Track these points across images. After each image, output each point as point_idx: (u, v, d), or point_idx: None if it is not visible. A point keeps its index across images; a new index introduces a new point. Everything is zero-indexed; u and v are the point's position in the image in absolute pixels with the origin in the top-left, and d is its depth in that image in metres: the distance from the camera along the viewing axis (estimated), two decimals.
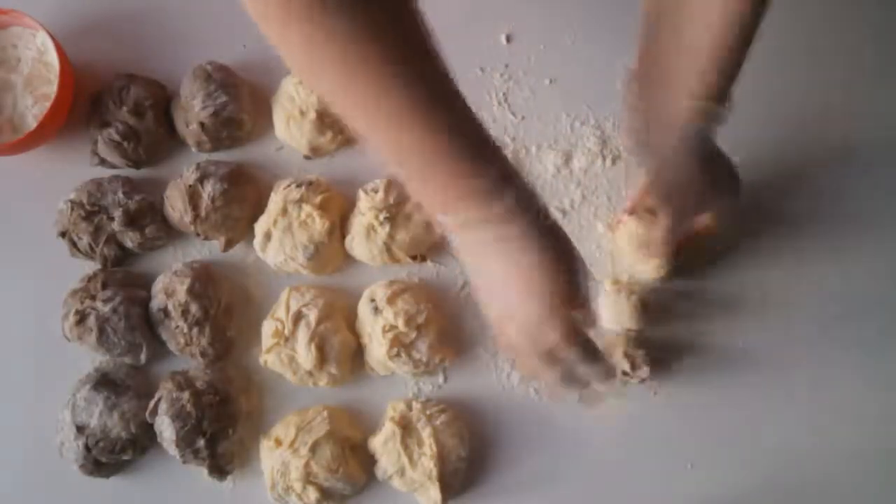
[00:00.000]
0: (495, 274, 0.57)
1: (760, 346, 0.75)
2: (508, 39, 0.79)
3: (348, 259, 0.77)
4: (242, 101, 0.77)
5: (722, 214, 0.71)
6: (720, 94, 0.63)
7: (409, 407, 0.73)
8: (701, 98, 0.62)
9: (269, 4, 0.49)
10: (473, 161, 0.53)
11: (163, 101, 0.78)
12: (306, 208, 0.73)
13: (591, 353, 0.58)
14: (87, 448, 0.71)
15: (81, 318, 0.72)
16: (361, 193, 0.75)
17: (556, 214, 0.74)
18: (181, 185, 0.74)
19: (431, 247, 0.76)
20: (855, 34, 0.79)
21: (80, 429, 0.71)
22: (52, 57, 0.75)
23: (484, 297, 0.60)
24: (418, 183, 0.56)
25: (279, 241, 0.73)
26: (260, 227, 0.75)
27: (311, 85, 0.53)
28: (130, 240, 0.75)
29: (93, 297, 0.73)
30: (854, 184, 0.77)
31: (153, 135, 0.77)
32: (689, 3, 0.60)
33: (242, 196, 0.75)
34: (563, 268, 0.56)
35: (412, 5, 0.50)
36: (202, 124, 0.75)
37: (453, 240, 0.57)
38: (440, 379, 0.75)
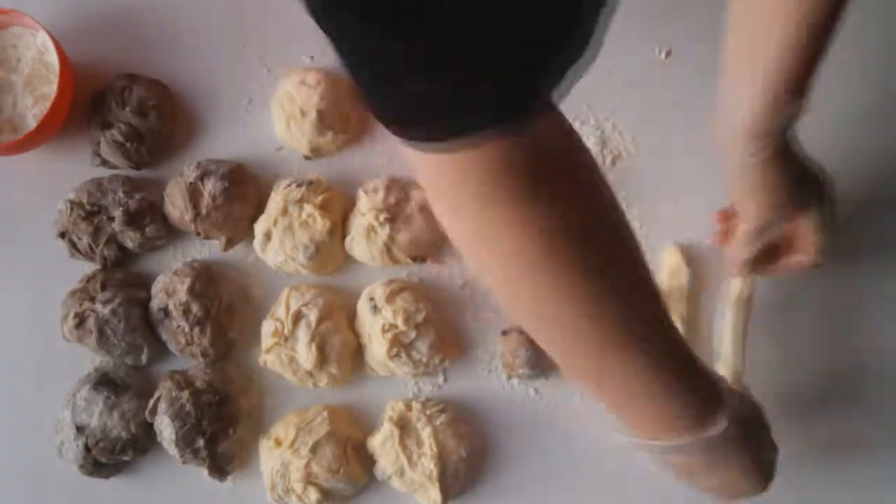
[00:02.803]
0: (701, 479, 0.56)
1: (760, 345, 0.75)
2: None
3: (348, 259, 0.77)
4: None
5: (821, 242, 0.65)
6: (797, 85, 0.56)
7: (409, 407, 0.72)
8: (775, 90, 0.56)
9: (444, 177, 0.39)
10: (680, 387, 0.49)
11: (166, 101, 0.78)
12: (307, 208, 0.73)
13: None
14: (87, 448, 0.71)
15: (81, 320, 0.72)
16: (361, 194, 0.75)
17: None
18: (182, 183, 0.74)
19: (431, 247, 0.76)
20: None
21: (80, 429, 0.71)
22: (52, 57, 0.75)
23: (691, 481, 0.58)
24: (615, 410, 0.51)
25: (279, 241, 0.73)
26: (260, 227, 0.75)
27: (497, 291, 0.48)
28: (131, 240, 0.75)
29: (92, 299, 0.72)
30: None
31: (156, 135, 0.76)
32: None
33: (243, 195, 0.75)
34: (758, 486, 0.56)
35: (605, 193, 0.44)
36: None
37: (648, 459, 0.54)
38: (440, 379, 0.75)
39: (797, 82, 0.55)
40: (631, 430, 0.51)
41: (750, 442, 0.54)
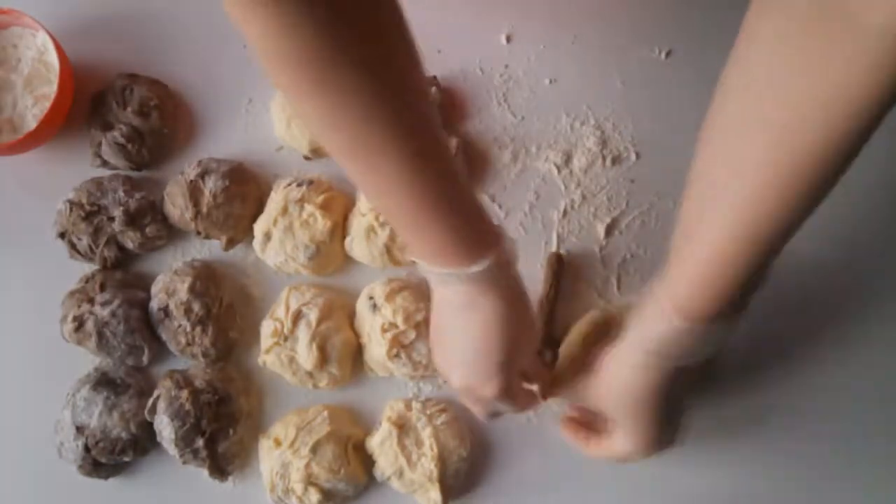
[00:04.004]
0: (453, 326, 0.60)
1: (761, 345, 0.75)
2: (508, 39, 0.79)
3: (349, 260, 0.76)
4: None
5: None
6: (737, 298, 0.51)
7: (409, 407, 0.72)
8: (709, 309, 0.52)
9: None
10: (458, 221, 0.53)
11: (167, 101, 0.78)
12: (308, 208, 0.73)
13: (515, 405, 0.63)
14: (87, 448, 0.71)
15: (80, 323, 0.72)
16: (361, 194, 0.75)
17: (554, 215, 0.75)
18: (182, 181, 0.74)
19: None
20: None
21: (80, 429, 0.71)
22: (52, 57, 0.75)
23: (435, 340, 0.63)
24: (391, 220, 0.56)
25: (279, 241, 0.73)
26: (259, 226, 0.74)
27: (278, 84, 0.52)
28: (131, 240, 0.74)
29: (90, 301, 0.72)
30: None
31: (157, 136, 0.76)
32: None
33: (244, 194, 0.75)
34: (514, 341, 0.59)
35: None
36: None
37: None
38: (440, 378, 0.75)
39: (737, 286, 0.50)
40: (416, 254, 0.56)
41: (507, 299, 0.57)
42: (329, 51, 0.45)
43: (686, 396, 0.62)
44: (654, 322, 0.55)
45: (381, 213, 0.58)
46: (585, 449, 0.67)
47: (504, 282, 0.57)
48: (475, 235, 0.55)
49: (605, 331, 0.68)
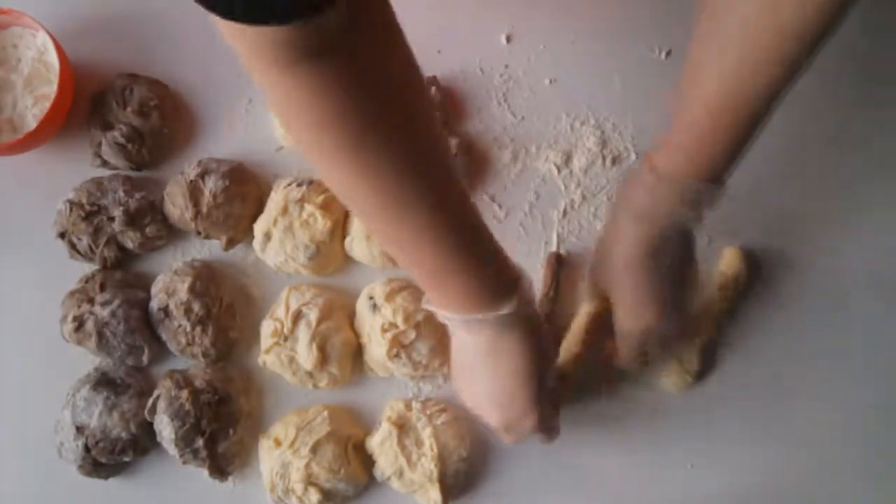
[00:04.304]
0: (480, 371, 0.61)
1: (760, 347, 0.75)
2: (508, 39, 0.79)
3: (349, 260, 0.76)
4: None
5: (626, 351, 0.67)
6: (717, 167, 0.57)
7: (409, 407, 0.72)
8: (688, 170, 0.56)
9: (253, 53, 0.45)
10: (485, 265, 0.55)
11: (167, 101, 0.77)
12: (308, 208, 0.73)
13: (548, 433, 0.65)
14: (87, 448, 0.71)
15: (80, 323, 0.72)
16: None
17: (554, 215, 0.75)
18: (182, 182, 0.74)
19: None
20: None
21: (80, 429, 0.71)
22: (52, 57, 0.75)
23: (461, 381, 0.64)
24: (417, 274, 0.57)
25: (279, 241, 0.73)
26: (259, 226, 0.74)
27: (296, 141, 0.52)
28: (131, 240, 0.74)
29: (90, 301, 0.72)
30: None
31: (157, 136, 0.76)
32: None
33: (244, 194, 0.75)
34: (542, 372, 0.60)
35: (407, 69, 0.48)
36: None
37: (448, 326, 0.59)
38: (441, 378, 0.75)
39: (719, 160, 0.56)
40: (437, 304, 0.58)
41: (530, 340, 0.59)
42: (367, 107, 0.45)
43: (679, 280, 0.63)
44: (635, 185, 0.59)
45: (406, 268, 0.59)
46: (613, 357, 0.68)
47: (526, 319, 0.58)
48: (500, 278, 0.56)
49: (604, 320, 0.68)
